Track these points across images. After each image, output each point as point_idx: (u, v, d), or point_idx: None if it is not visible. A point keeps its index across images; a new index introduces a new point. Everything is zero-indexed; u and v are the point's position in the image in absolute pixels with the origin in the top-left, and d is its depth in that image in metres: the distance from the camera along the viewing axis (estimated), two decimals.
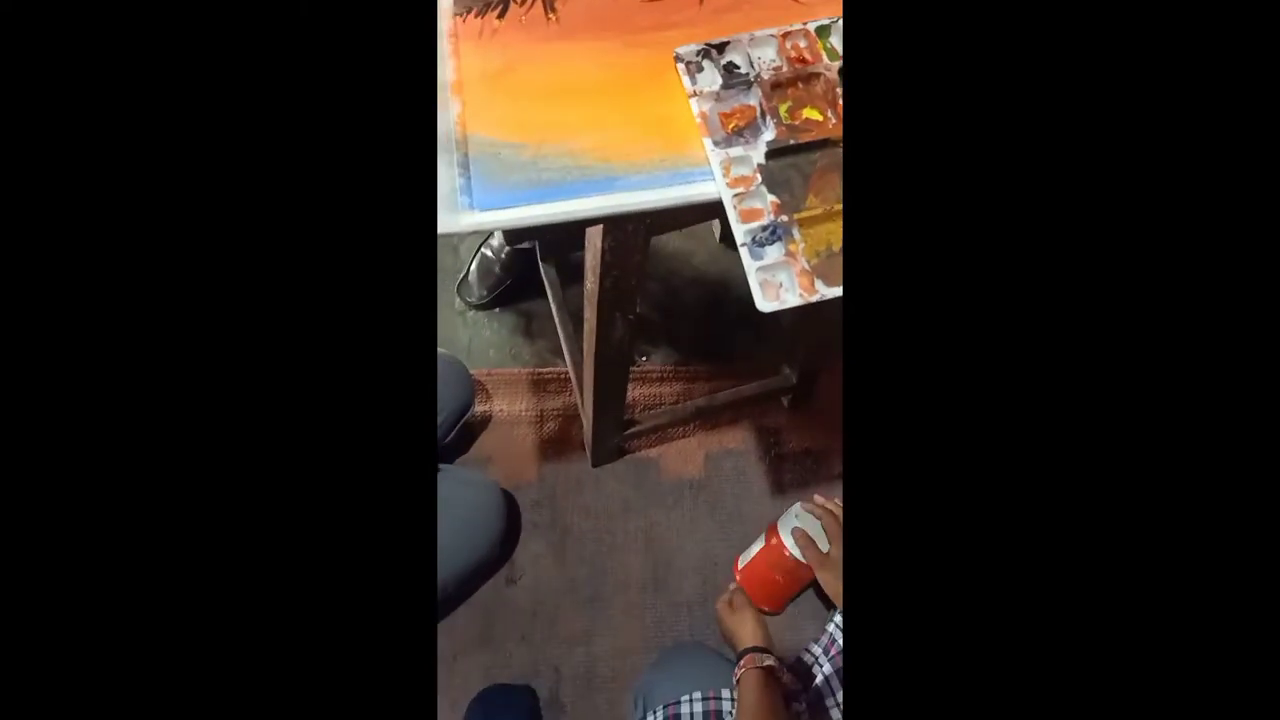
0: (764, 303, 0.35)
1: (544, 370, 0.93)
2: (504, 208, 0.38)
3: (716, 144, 0.39)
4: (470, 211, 0.37)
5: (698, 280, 0.99)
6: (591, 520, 0.86)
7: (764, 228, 0.37)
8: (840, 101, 0.40)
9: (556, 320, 0.87)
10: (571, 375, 0.86)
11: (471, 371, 0.85)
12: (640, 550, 0.85)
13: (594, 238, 0.46)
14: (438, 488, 0.70)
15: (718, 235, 0.97)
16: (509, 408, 0.91)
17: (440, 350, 0.82)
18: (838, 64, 0.41)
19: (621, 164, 0.39)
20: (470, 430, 0.87)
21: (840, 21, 0.42)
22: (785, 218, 0.37)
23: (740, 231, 0.37)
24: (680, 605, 0.82)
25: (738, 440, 0.90)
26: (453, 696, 0.76)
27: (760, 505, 0.86)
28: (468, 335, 0.96)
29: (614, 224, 0.43)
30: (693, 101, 0.40)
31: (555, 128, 0.40)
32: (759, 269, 0.36)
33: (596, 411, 0.73)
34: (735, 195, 0.37)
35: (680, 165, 0.39)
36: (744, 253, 0.36)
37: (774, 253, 0.36)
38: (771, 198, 0.37)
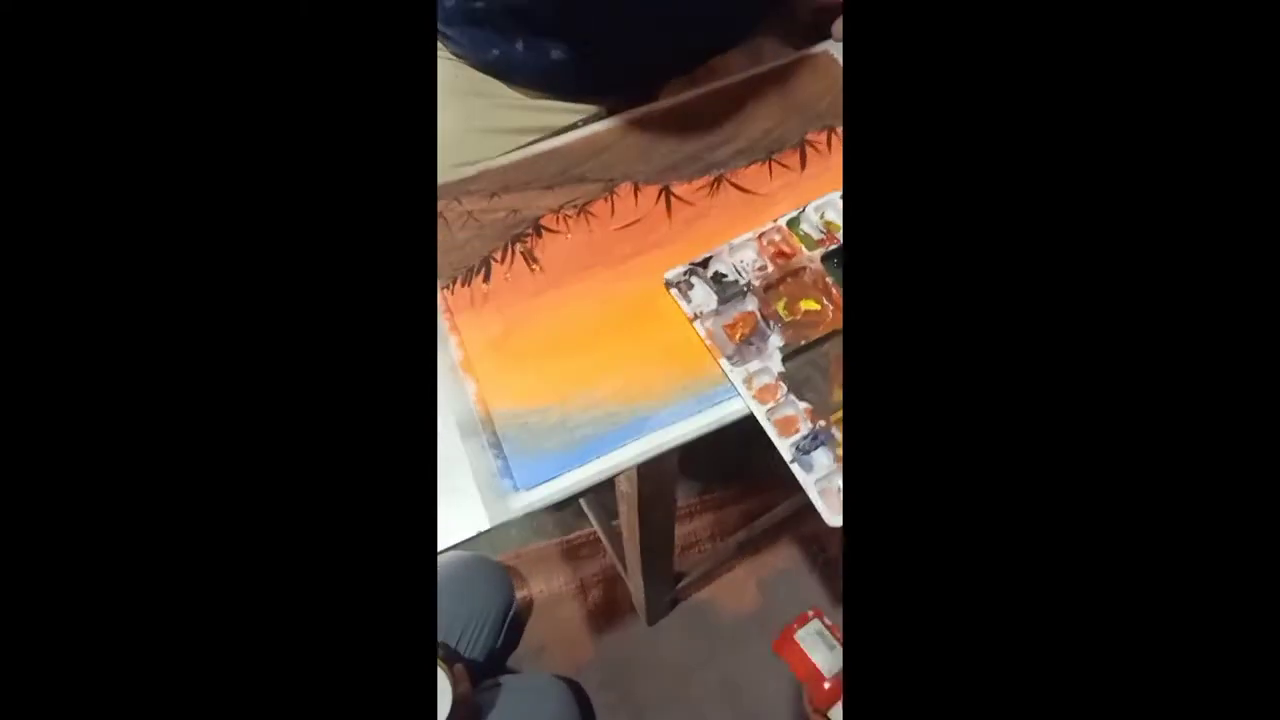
0: (833, 517, 0.35)
1: (570, 538, 0.91)
2: (547, 479, 0.37)
3: (731, 360, 0.40)
4: (516, 493, 0.37)
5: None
6: (663, 684, 0.82)
7: (805, 437, 0.37)
8: (834, 289, 0.41)
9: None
10: (603, 538, 0.84)
11: (498, 558, 0.83)
12: (719, 701, 0.81)
13: None
14: (501, 704, 0.66)
15: None
16: (548, 586, 0.88)
17: (462, 553, 0.79)
18: (818, 252, 0.43)
19: (647, 403, 0.39)
20: (518, 623, 0.84)
21: (808, 209, 0.44)
22: (823, 422, 0.37)
23: (784, 448, 0.37)
24: None
25: (784, 559, 0.89)
26: None
27: (830, 617, 0.84)
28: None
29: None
30: (696, 324, 0.41)
31: (573, 382, 0.40)
32: (816, 482, 0.36)
33: (647, 579, 0.71)
34: (768, 410, 0.38)
35: (703, 389, 0.40)
36: (795, 469, 0.37)
37: (823, 460, 0.37)
38: (803, 405, 0.38)
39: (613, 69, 0.51)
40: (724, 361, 0.40)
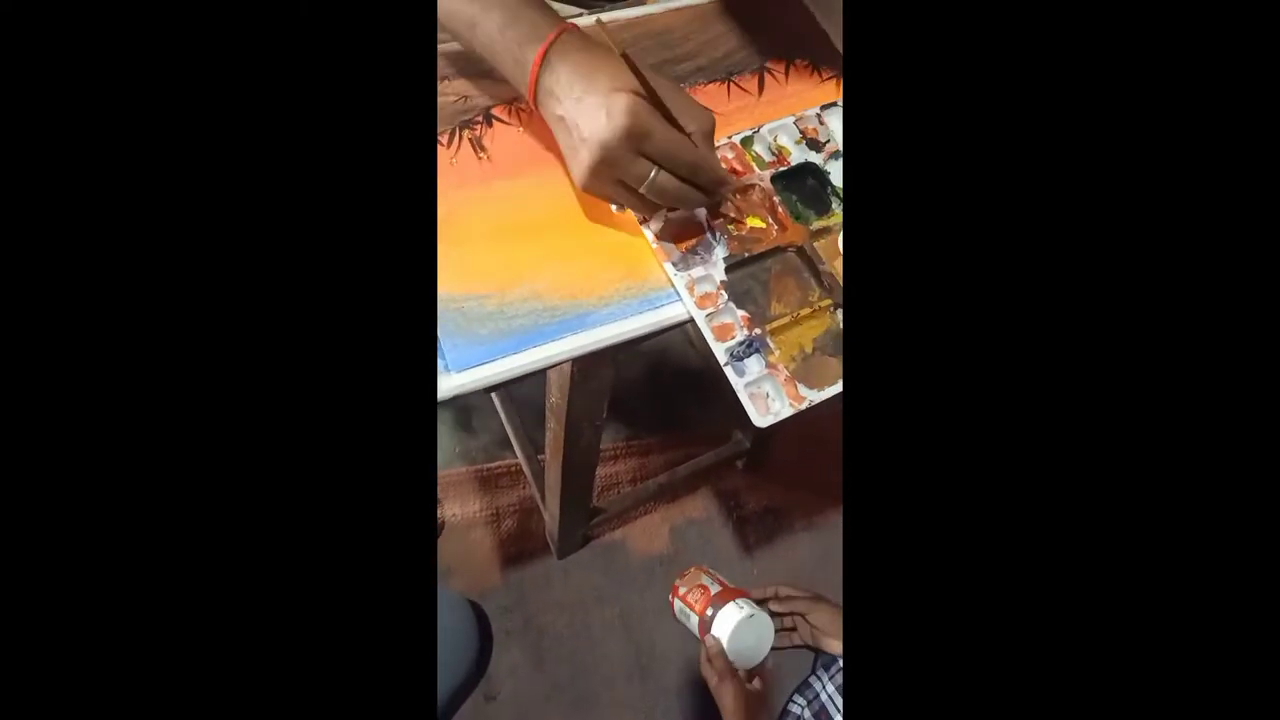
0: (760, 418, 0.36)
1: (493, 465, 0.90)
2: (480, 363, 0.37)
3: (676, 266, 0.40)
4: (447, 374, 0.36)
5: (636, 351, 1.00)
6: (565, 616, 0.83)
7: (740, 343, 0.38)
8: (779, 208, 0.42)
9: (502, 414, 0.85)
10: (525, 469, 0.84)
11: None
12: (620, 639, 0.83)
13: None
14: None
15: None
16: (462, 511, 0.87)
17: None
18: (768, 172, 0.43)
19: (589, 299, 0.39)
20: None
21: (762, 129, 0.45)
22: (758, 330, 0.39)
23: (719, 351, 0.38)
24: (670, 690, 0.81)
25: (699, 509, 0.91)
26: None
27: (730, 570, 0.87)
28: None
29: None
30: (644, 228, 0.41)
31: (514, 271, 0.39)
32: (746, 385, 0.37)
33: (564, 509, 0.71)
34: (706, 315, 0.39)
35: (645, 291, 0.40)
36: (728, 371, 0.37)
37: (755, 366, 0.38)
38: (741, 312, 0.39)
39: None
40: (669, 266, 0.40)
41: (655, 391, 0.97)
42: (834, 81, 0.49)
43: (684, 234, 0.41)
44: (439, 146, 0.43)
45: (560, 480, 0.64)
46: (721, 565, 0.89)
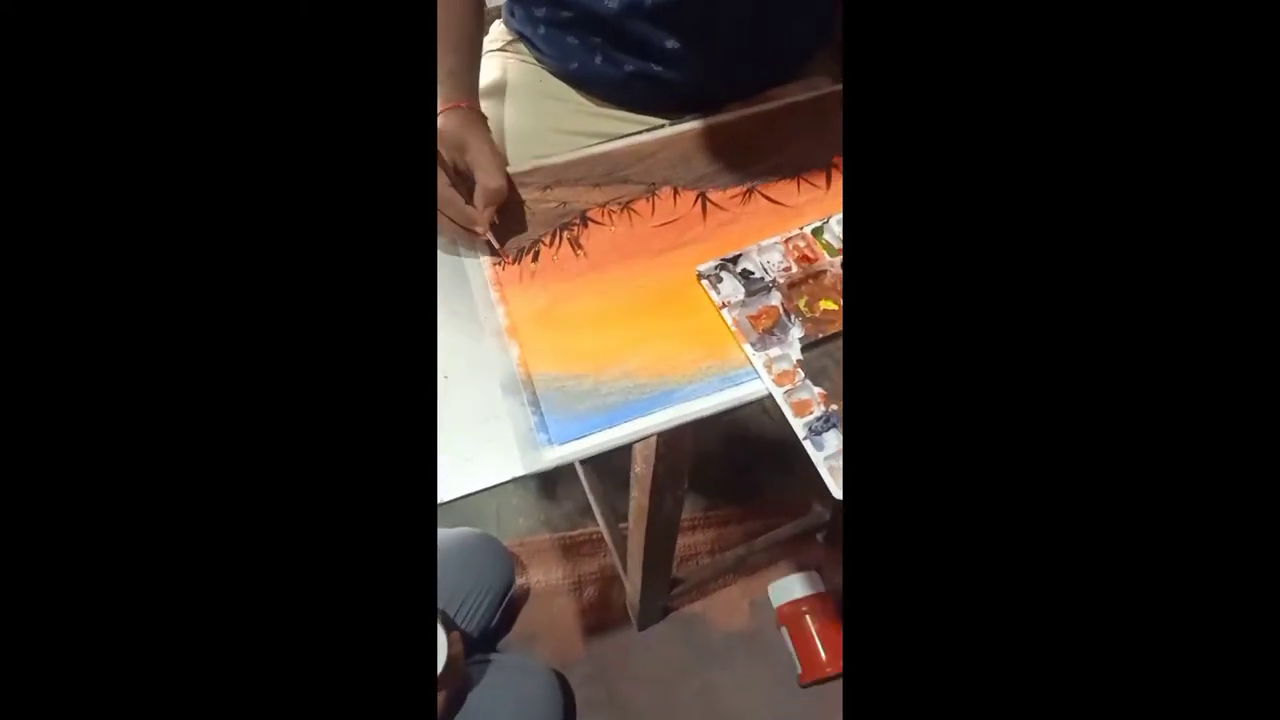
0: (840, 490, 0.38)
1: (574, 534, 0.93)
2: (579, 437, 0.41)
3: (754, 346, 0.43)
4: (550, 447, 0.40)
5: (714, 420, 1.03)
6: (647, 689, 0.83)
7: (818, 418, 0.41)
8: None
9: (585, 483, 0.89)
10: (607, 537, 0.87)
11: (505, 543, 0.85)
12: (702, 714, 0.82)
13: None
14: (489, 679, 0.68)
15: None
16: (545, 578, 0.90)
17: (472, 530, 0.82)
18: (838, 259, 0.47)
19: (674, 377, 0.43)
20: (513, 607, 0.85)
21: (830, 220, 0.48)
22: (834, 406, 0.41)
23: (798, 426, 0.41)
24: None
25: None
26: None
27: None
28: (494, 504, 0.96)
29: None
30: (724, 312, 0.45)
31: (608, 353, 0.44)
32: (825, 459, 0.39)
33: (645, 579, 0.73)
34: (785, 392, 0.42)
35: (726, 369, 0.43)
36: (807, 445, 0.40)
37: (833, 441, 0.40)
38: (817, 389, 0.42)
39: (678, 89, 0.57)
40: (748, 347, 0.43)
41: (734, 463, 0.99)
42: None
43: (760, 317, 0.45)
44: (543, 245, 0.49)
45: (643, 549, 0.66)
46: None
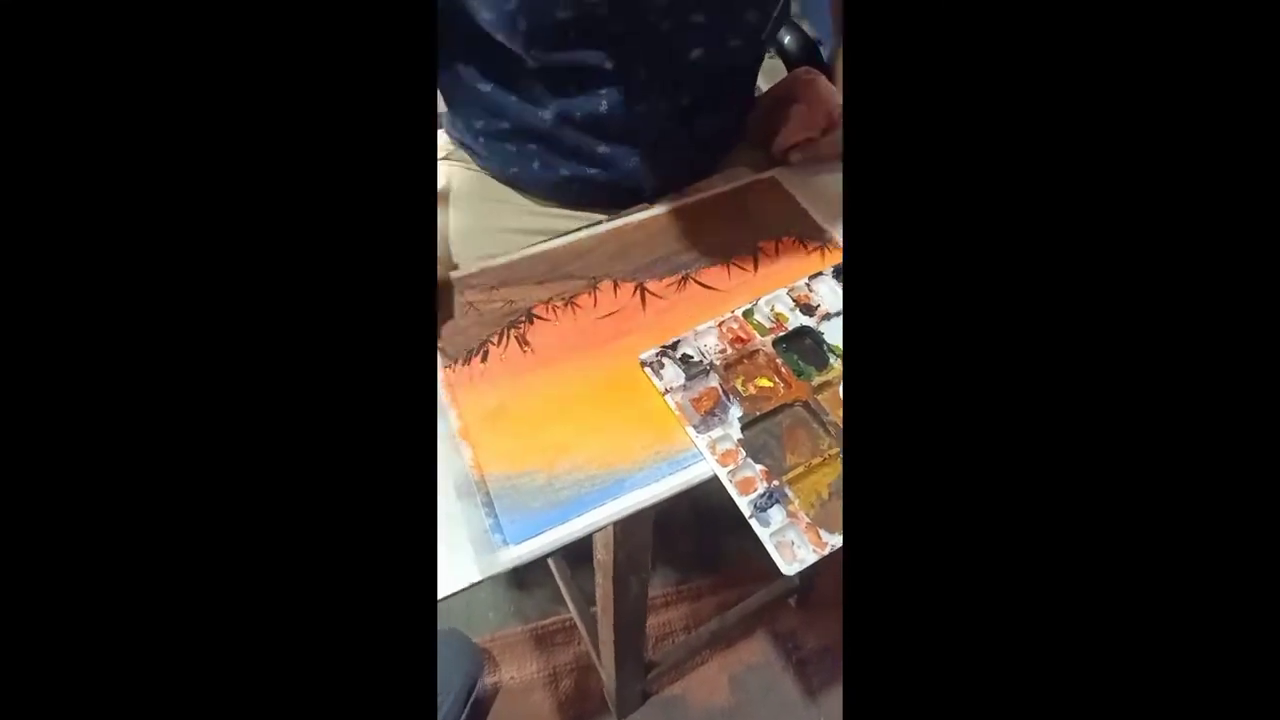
0: (786, 566, 0.40)
1: (547, 623, 0.91)
2: (534, 535, 0.42)
3: (697, 429, 0.45)
4: (506, 548, 0.41)
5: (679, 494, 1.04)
6: None
7: (761, 495, 0.42)
8: (782, 368, 0.48)
9: (553, 568, 0.87)
10: (580, 625, 0.85)
11: (476, 640, 0.82)
12: None
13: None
14: None
15: None
16: (520, 673, 0.87)
17: (439, 626, 0.80)
18: (769, 338, 0.50)
19: (624, 466, 0.45)
20: (482, 703, 0.82)
21: (760, 302, 0.52)
22: (776, 482, 0.43)
23: (743, 504, 0.42)
24: None
25: (756, 654, 0.90)
26: None
27: (795, 714, 0.84)
28: (464, 600, 0.94)
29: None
30: (667, 397, 0.47)
31: (559, 447, 0.45)
32: (771, 535, 0.41)
33: (619, 665, 0.72)
34: (729, 471, 0.43)
35: (673, 453, 0.45)
36: (753, 524, 0.41)
37: (778, 516, 0.42)
38: (759, 466, 0.43)
39: (612, 188, 0.61)
40: (691, 429, 0.45)
41: (701, 533, 0.99)
42: (819, 253, 0.57)
43: (701, 399, 0.47)
44: (491, 345, 0.51)
45: (613, 635, 0.65)
46: (786, 712, 0.85)
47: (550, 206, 0.64)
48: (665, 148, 0.60)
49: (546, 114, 0.56)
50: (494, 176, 0.65)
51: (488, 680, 0.84)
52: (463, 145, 0.66)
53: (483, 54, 0.55)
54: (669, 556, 0.97)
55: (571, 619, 0.88)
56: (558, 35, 0.50)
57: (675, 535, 0.98)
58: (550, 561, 0.88)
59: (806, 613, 0.91)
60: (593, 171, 0.60)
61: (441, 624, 0.81)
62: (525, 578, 0.95)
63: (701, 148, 0.64)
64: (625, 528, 0.50)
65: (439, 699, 0.71)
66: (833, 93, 0.63)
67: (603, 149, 0.58)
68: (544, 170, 0.61)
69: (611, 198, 0.62)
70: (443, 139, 0.69)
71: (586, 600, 0.83)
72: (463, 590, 0.41)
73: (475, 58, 0.56)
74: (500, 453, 0.45)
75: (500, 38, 0.51)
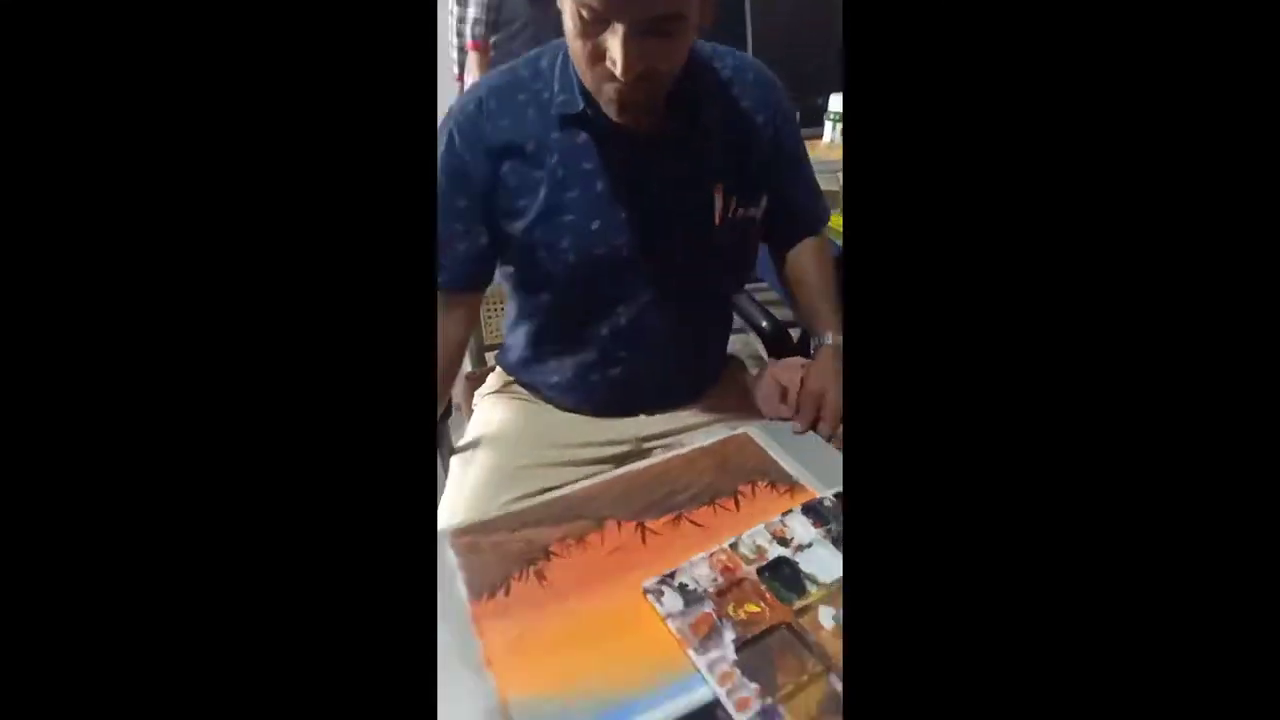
0: None
1: None
2: None
3: (697, 651, 0.51)
4: None
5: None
6: None
7: (757, 713, 0.47)
8: (766, 594, 0.56)
9: None
10: None
11: None
12: None
13: None
14: None
15: None
16: None
17: None
18: (754, 567, 0.58)
19: (635, 690, 0.50)
20: None
21: (744, 536, 0.61)
22: (770, 700, 0.48)
23: None
24: None
25: None
26: None
27: None
28: None
29: None
30: (668, 622, 0.54)
31: (574, 674, 0.51)
32: None
33: None
34: (727, 691, 0.49)
35: (678, 677, 0.50)
36: None
37: None
38: (754, 685, 0.49)
39: (629, 388, 0.80)
40: (691, 652, 0.51)
41: None
42: (789, 494, 0.68)
43: (698, 624, 0.54)
44: (513, 580, 0.59)
45: None
46: None
47: (579, 414, 0.80)
48: (675, 355, 0.77)
49: (584, 333, 0.75)
50: (535, 393, 0.82)
51: None
52: (509, 373, 0.85)
53: (533, 292, 0.76)
54: None
55: None
56: (593, 267, 0.71)
57: None
58: None
59: None
60: (615, 372, 0.77)
61: None
62: None
63: (701, 362, 0.83)
64: None
65: None
66: (798, 368, 0.80)
67: (623, 353, 0.76)
68: (577, 378, 0.78)
69: (631, 398, 0.79)
70: (497, 376, 0.88)
71: None
72: None
73: (528, 297, 0.77)
74: (521, 681, 0.50)
75: (555, 272, 0.71)
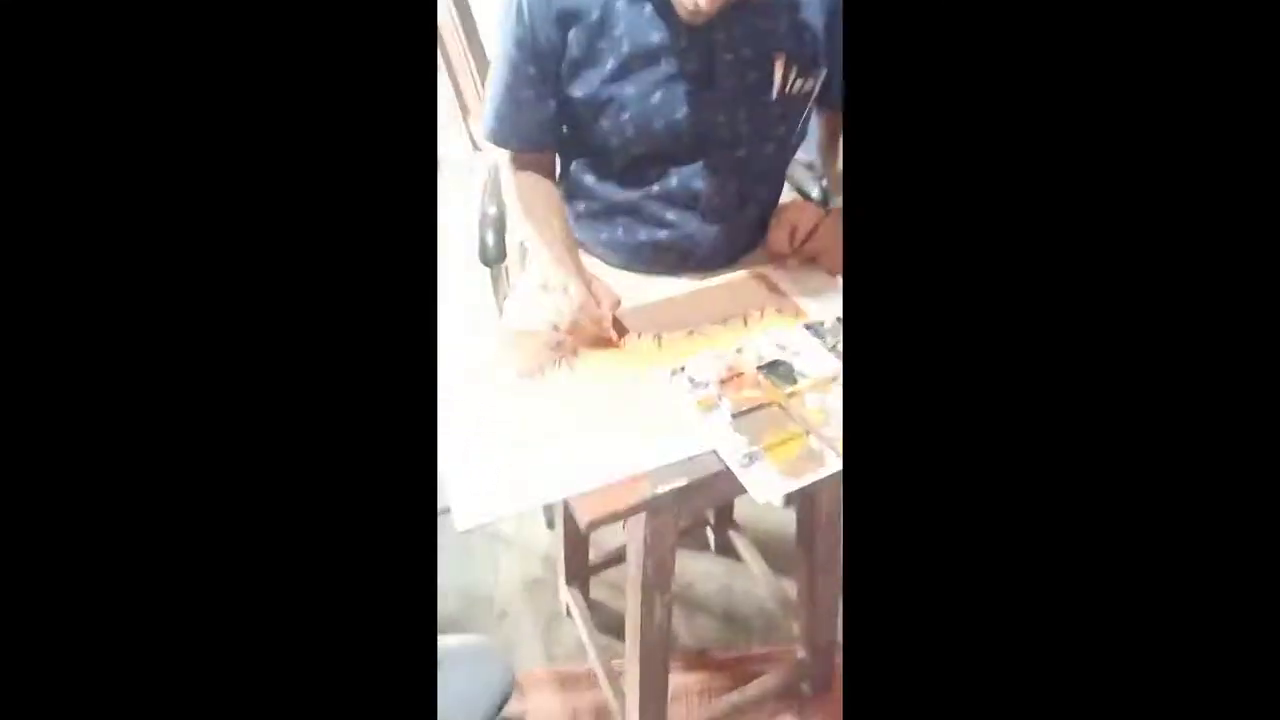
0: (760, 497, 0.53)
1: (570, 669, 0.97)
2: None
3: (700, 419, 0.61)
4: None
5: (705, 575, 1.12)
6: None
7: (745, 455, 0.57)
8: (763, 382, 0.65)
9: (577, 619, 0.95)
10: (600, 675, 0.91)
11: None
12: None
13: (635, 528, 0.64)
14: None
15: (712, 545, 1.15)
16: (543, 707, 0.93)
17: (479, 638, 0.86)
18: (754, 365, 0.67)
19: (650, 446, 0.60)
20: None
21: (748, 342, 0.70)
22: (756, 447, 0.58)
23: (735, 461, 0.57)
24: None
25: None
26: None
27: None
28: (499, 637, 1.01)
29: (653, 513, 0.61)
30: (676, 398, 0.64)
31: (598, 434, 0.62)
32: (752, 480, 0.55)
33: (642, 703, 0.78)
34: (721, 441, 0.59)
35: (683, 440, 0.61)
36: (739, 473, 0.56)
37: (759, 467, 0.56)
38: (743, 438, 0.59)
39: (675, 249, 0.82)
40: (694, 418, 0.61)
41: (720, 615, 1.06)
42: (792, 316, 0.76)
43: (704, 401, 0.63)
44: (548, 369, 0.69)
45: (638, 662, 0.73)
46: None
47: (629, 272, 0.84)
48: (720, 219, 0.80)
49: (634, 194, 0.78)
50: (588, 249, 0.86)
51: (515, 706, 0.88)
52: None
53: (591, 155, 0.79)
54: (690, 628, 1.03)
55: (593, 669, 0.94)
56: (651, 139, 0.73)
57: (695, 611, 1.06)
58: (576, 614, 0.96)
59: (823, 694, 0.95)
60: (662, 234, 0.80)
61: (481, 639, 0.87)
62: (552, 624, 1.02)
63: (746, 228, 0.84)
64: (654, 532, 0.63)
65: (474, 704, 0.77)
66: (816, 216, 0.85)
67: (671, 215, 0.79)
68: (626, 236, 0.82)
69: (677, 259, 0.82)
70: None
71: (609, 655, 0.90)
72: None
73: (584, 158, 0.80)
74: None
75: (613, 142, 0.74)
